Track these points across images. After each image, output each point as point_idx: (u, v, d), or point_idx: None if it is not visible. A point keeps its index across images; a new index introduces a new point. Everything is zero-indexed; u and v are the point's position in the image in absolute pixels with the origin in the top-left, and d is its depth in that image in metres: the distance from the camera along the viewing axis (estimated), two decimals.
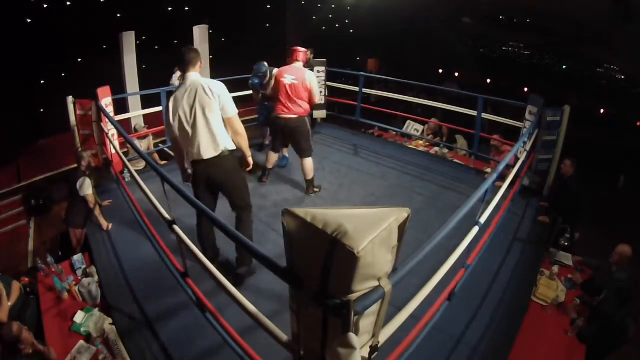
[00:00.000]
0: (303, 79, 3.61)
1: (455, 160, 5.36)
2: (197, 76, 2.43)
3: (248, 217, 2.73)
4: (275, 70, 4.26)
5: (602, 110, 10.64)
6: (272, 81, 3.85)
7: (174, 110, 2.42)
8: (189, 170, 2.65)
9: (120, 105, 5.13)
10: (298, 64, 3.70)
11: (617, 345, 2.79)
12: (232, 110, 2.46)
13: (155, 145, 5.46)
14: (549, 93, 4.94)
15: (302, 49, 3.74)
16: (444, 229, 1.63)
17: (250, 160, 2.72)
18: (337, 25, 12.29)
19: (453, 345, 2.32)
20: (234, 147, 2.57)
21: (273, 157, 4.13)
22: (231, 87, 5.26)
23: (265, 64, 4.28)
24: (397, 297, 1.26)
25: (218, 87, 2.40)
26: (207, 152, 2.45)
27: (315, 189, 4.02)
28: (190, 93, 2.37)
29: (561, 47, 11.42)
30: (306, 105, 3.73)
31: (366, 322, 1.13)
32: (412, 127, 6.20)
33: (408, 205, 1.13)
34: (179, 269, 2.24)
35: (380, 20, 10.74)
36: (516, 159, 3.54)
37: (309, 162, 3.85)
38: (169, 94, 5.19)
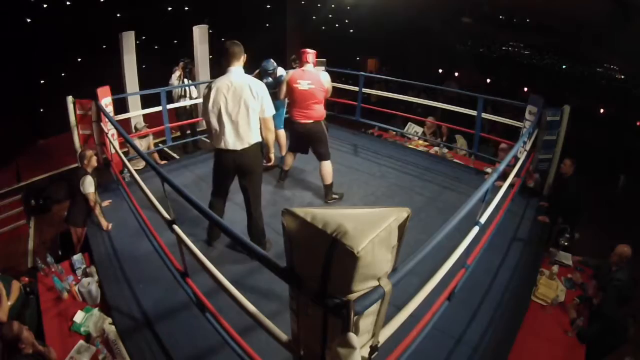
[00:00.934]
0: (320, 82, 3.53)
1: (455, 160, 5.36)
2: (242, 72, 2.59)
3: (258, 212, 2.96)
4: (281, 69, 4.17)
5: (602, 110, 10.62)
6: (284, 84, 3.70)
7: (215, 100, 2.57)
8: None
9: (120, 105, 5.13)
10: (309, 67, 3.58)
11: (617, 345, 2.79)
12: (270, 112, 2.68)
13: (156, 145, 5.46)
14: (549, 93, 4.94)
15: (311, 51, 3.61)
16: (444, 229, 1.63)
17: (272, 155, 2.95)
18: (337, 25, 12.28)
19: (453, 345, 2.32)
20: (260, 140, 2.77)
21: (290, 158, 4.06)
22: None
23: (272, 60, 4.15)
24: (397, 297, 1.26)
25: (262, 90, 2.59)
26: (242, 144, 2.66)
27: (335, 196, 3.92)
28: (237, 90, 2.53)
29: (561, 47, 11.40)
30: (322, 109, 3.68)
31: (366, 322, 1.13)
32: (413, 129, 6.20)
33: (408, 205, 1.13)
34: (179, 269, 2.24)
35: (380, 20, 10.73)
36: (516, 159, 3.55)
37: (327, 165, 3.76)
38: (169, 94, 5.22)
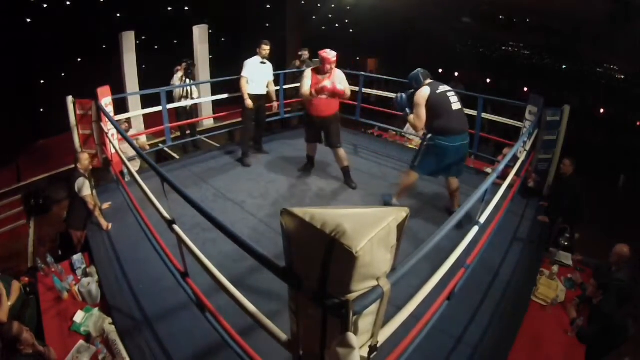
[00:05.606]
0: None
1: None
2: (258, 58, 4.61)
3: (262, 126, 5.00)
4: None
5: (602, 110, 10.61)
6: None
7: (253, 69, 4.56)
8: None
9: (121, 106, 5.13)
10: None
11: (617, 345, 2.78)
12: (270, 78, 4.75)
13: (156, 145, 5.46)
14: (549, 93, 4.93)
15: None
16: (444, 229, 1.62)
17: (274, 98, 5.03)
18: (337, 25, 12.28)
19: (453, 345, 2.32)
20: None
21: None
22: (231, 87, 5.24)
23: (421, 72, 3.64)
24: (396, 297, 1.27)
25: (269, 68, 4.71)
26: (263, 91, 4.71)
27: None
28: (266, 65, 4.67)
29: (561, 47, 11.39)
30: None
31: (365, 322, 1.13)
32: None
33: (407, 205, 1.13)
34: (179, 269, 2.24)
35: (380, 20, 10.75)
36: (516, 159, 3.55)
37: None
38: (169, 94, 5.69)
